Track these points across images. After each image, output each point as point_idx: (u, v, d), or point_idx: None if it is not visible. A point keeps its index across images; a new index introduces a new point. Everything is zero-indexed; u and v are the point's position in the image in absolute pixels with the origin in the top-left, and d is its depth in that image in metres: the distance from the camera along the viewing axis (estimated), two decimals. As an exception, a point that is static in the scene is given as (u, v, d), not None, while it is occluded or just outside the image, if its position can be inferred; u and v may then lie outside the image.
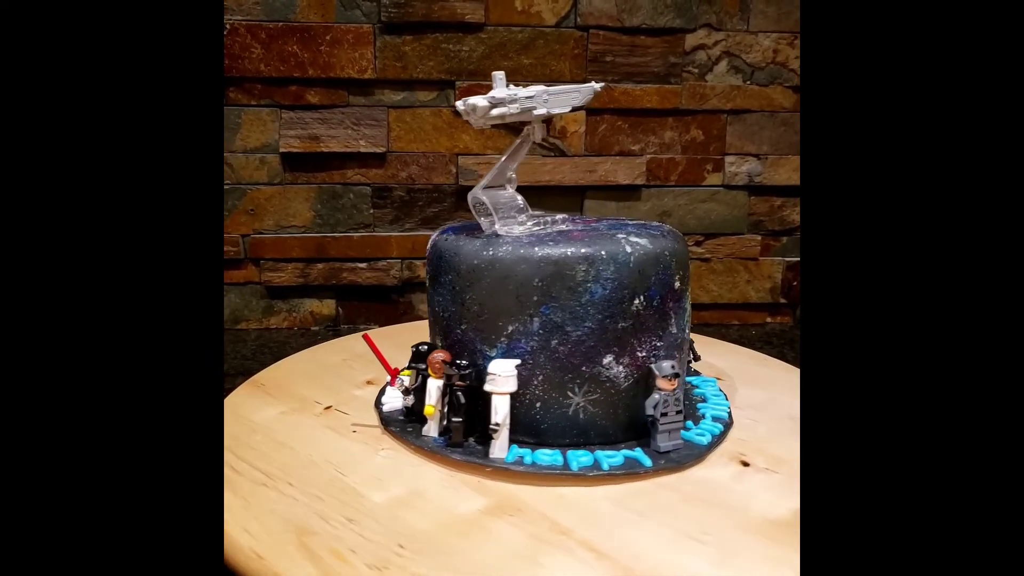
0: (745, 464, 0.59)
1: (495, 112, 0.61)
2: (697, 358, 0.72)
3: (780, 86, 1.46)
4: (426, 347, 0.64)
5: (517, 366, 0.58)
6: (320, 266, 1.45)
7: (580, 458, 0.57)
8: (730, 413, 0.67)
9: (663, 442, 0.59)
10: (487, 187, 0.65)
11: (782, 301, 1.57)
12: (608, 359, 0.59)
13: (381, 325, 1.43)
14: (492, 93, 0.61)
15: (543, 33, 1.39)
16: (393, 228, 1.46)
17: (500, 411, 0.57)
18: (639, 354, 0.60)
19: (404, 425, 0.63)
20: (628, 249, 0.59)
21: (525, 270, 0.58)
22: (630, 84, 1.42)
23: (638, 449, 0.59)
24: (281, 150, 1.40)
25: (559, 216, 0.67)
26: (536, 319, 0.58)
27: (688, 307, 0.65)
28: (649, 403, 0.59)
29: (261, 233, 1.43)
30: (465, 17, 1.36)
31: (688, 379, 0.71)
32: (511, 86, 0.62)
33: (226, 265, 1.43)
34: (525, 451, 0.58)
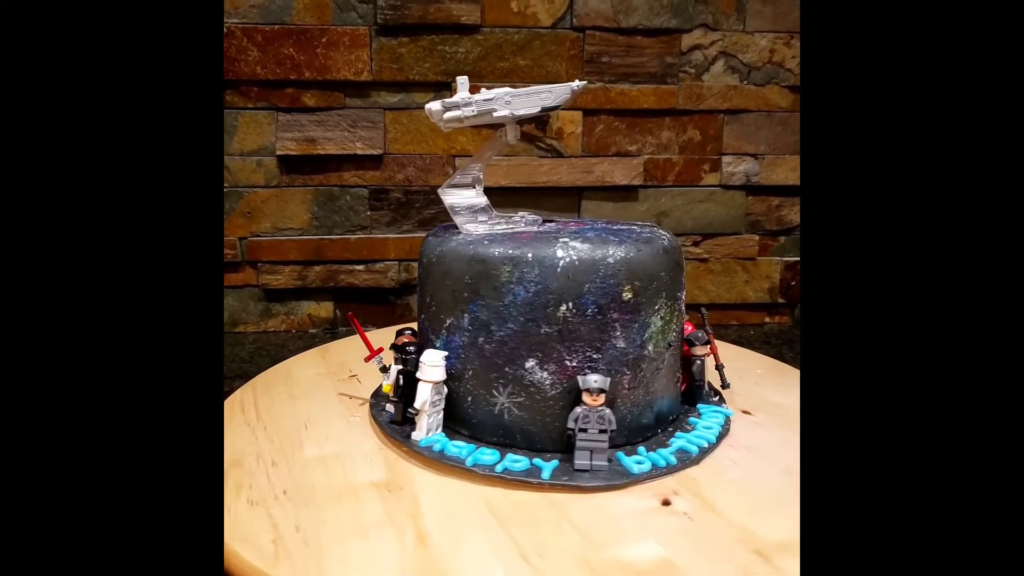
0: (666, 503, 0.53)
1: (447, 116, 0.63)
2: (725, 386, 0.71)
3: (777, 86, 1.46)
4: (409, 332, 0.68)
5: (449, 358, 0.60)
6: (317, 268, 1.45)
7: (484, 456, 0.57)
8: (703, 447, 0.60)
9: (580, 459, 0.56)
10: (451, 186, 0.66)
11: (780, 301, 1.57)
12: (531, 363, 0.59)
13: (379, 327, 1.43)
14: (453, 98, 0.63)
15: (539, 34, 1.39)
16: (390, 230, 1.46)
17: (420, 397, 0.60)
18: (568, 363, 0.58)
19: (387, 400, 0.66)
20: (560, 254, 0.57)
21: (459, 267, 0.60)
22: (627, 85, 1.43)
23: (555, 461, 0.56)
24: (278, 152, 1.39)
25: (530, 216, 0.67)
26: (466, 315, 0.60)
27: (658, 324, 0.60)
28: (571, 416, 0.56)
29: (258, 236, 1.43)
30: (461, 19, 1.36)
31: (703, 407, 0.67)
32: (484, 90, 0.63)
33: (224, 268, 1.43)
34: (456, 443, 0.60)
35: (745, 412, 0.69)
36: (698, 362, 0.68)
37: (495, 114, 0.63)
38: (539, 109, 0.64)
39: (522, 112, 0.64)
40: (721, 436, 0.62)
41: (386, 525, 0.50)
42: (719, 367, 0.72)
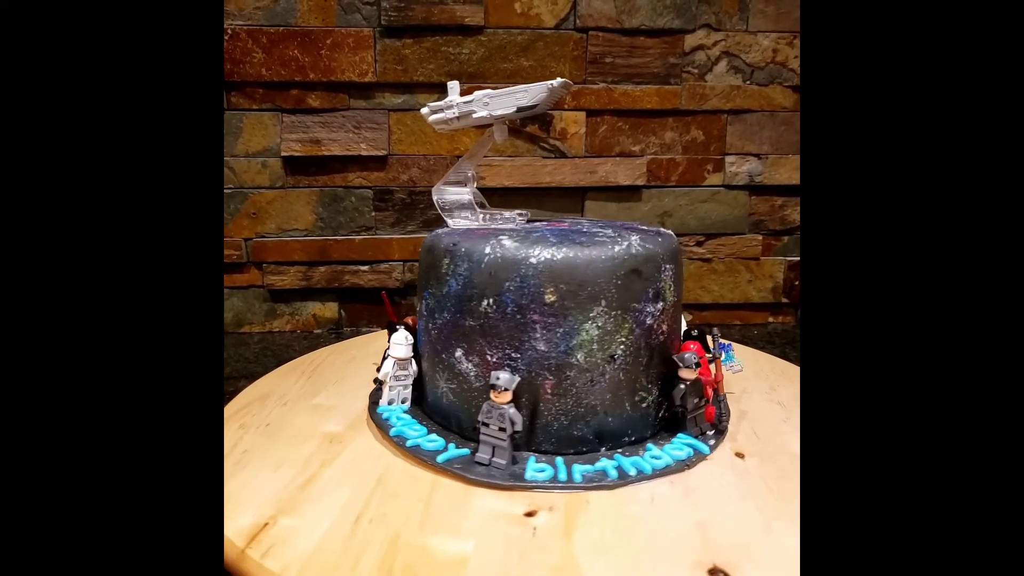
0: (530, 515, 0.52)
1: (432, 119, 0.68)
2: (718, 424, 0.64)
3: (780, 86, 1.46)
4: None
5: (409, 338, 0.67)
6: (322, 269, 1.46)
7: (409, 429, 0.63)
8: (627, 475, 0.56)
9: (482, 453, 0.56)
10: (444, 184, 0.69)
11: (784, 301, 1.57)
12: (459, 353, 0.61)
13: (384, 327, 1.43)
14: (440, 102, 0.67)
15: (542, 35, 1.39)
16: (395, 231, 1.46)
17: (383, 369, 0.68)
18: (488, 358, 0.58)
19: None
20: (487, 251, 0.58)
21: (424, 257, 0.65)
22: (630, 85, 1.43)
23: (467, 450, 0.58)
24: (283, 154, 1.40)
25: (514, 214, 0.69)
26: (423, 302, 0.65)
27: (592, 333, 0.56)
28: (482, 409, 0.57)
29: (263, 237, 1.43)
30: (465, 20, 1.36)
31: (684, 437, 0.61)
32: (478, 92, 0.66)
33: (229, 269, 1.43)
34: (405, 416, 0.66)
35: (739, 455, 0.61)
36: (680, 386, 0.60)
37: (474, 115, 0.65)
38: (515, 109, 0.65)
39: (500, 112, 0.65)
40: (665, 472, 0.56)
41: (297, 461, 0.60)
42: (719, 399, 0.64)
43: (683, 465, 0.58)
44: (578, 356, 0.57)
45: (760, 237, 1.53)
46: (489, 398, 0.56)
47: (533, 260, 0.56)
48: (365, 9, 1.35)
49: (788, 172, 1.50)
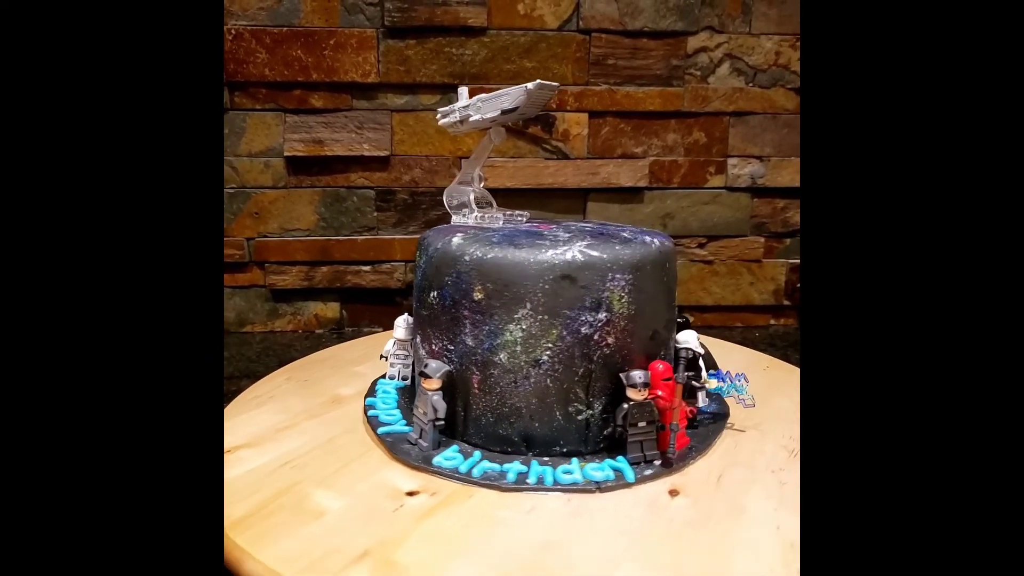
0: (411, 494, 0.54)
1: (442, 122, 0.72)
2: (663, 458, 0.58)
3: (782, 88, 1.46)
4: None
5: (410, 321, 0.71)
6: (324, 269, 1.46)
7: (383, 410, 0.67)
8: (500, 482, 0.55)
9: (413, 433, 0.62)
10: (455, 184, 0.73)
11: (786, 303, 1.57)
12: (419, 339, 0.65)
13: (386, 328, 1.43)
14: (449, 106, 0.70)
15: (545, 37, 1.39)
16: (397, 231, 1.46)
17: (385, 347, 0.74)
18: (432, 346, 0.62)
19: None
20: (438, 246, 0.61)
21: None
22: (632, 87, 1.43)
23: (420, 441, 0.61)
24: (285, 154, 1.40)
25: (510, 214, 0.71)
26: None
27: (516, 335, 0.56)
28: None
29: (266, 236, 1.44)
30: (468, 21, 1.36)
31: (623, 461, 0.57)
32: (476, 96, 0.68)
33: (231, 268, 1.44)
34: (388, 389, 0.72)
35: (672, 492, 0.55)
36: (624, 405, 0.56)
37: (470, 119, 0.68)
38: (499, 112, 0.67)
39: (488, 116, 0.68)
40: (570, 488, 0.54)
41: (296, 409, 0.70)
42: (671, 427, 0.57)
43: (592, 486, 0.54)
44: (501, 355, 0.57)
45: (762, 239, 1.53)
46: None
47: (467, 258, 0.58)
48: (368, 10, 1.35)
49: (790, 174, 1.50)
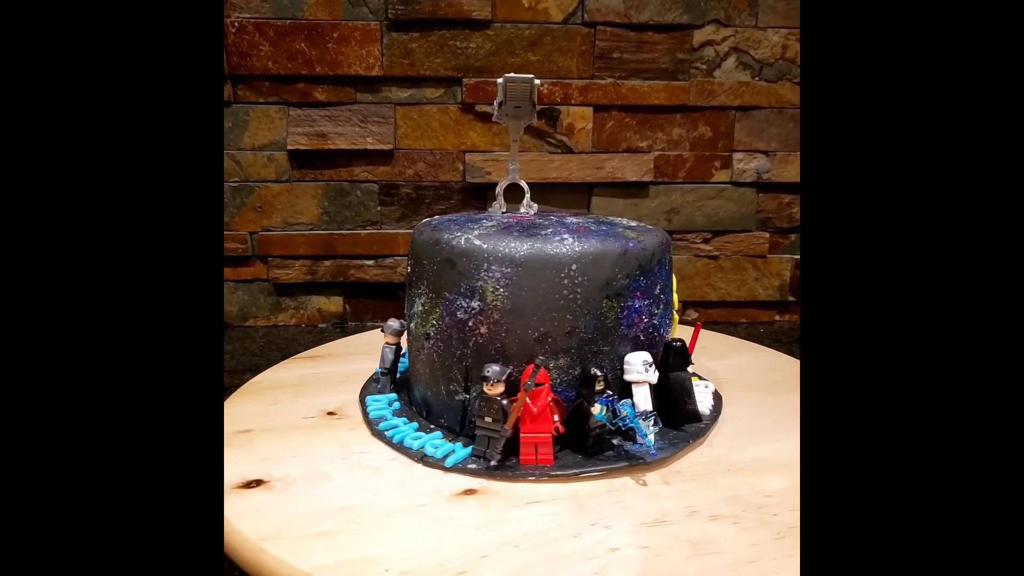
0: (331, 412, 0.66)
1: (494, 119, 0.71)
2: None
3: (788, 82, 1.45)
4: None
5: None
6: (327, 263, 1.46)
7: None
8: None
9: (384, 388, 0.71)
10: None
11: (791, 299, 1.56)
12: None
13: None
14: None
15: (550, 30, 1.39)
16: (400, 225, 1.46)
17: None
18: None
19: None
20: (419, 227, 0.66)
21: None
22: (638, 81, 1.42)
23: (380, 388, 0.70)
24: (289, 147, 1.40)
25: (526, 209, 0.71)
26: None
27: (418, 308, 0.62)
28: None
29: (269, 230, 1.43)
30: (472, 14, 1.36)
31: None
32: None
33: (234, 262, 1.44)
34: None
35: (470, 492, 0.53)
36: (474, 395, 0.57)
37: (495, 113, 0.69)
38: (497, 106, 0.68)
39: (495, 112, 0.69)
40: (401, 450, 0.59)
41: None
42: (501, 431, 0.54)
43: (418, 455, 0.58)
44: (413, 324, 0.65)
45: (767, 235, 1.53)
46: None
47: (416, 237, 0.64)
48: (372, 2, 1.35)
49: (796, 169, 1.49)
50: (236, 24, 1.33)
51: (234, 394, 0.72)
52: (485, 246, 0.57)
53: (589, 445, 0.56)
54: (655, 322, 0.61)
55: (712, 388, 0.69)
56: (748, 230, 1.52)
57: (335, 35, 1.35)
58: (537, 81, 0.65)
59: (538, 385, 0.54)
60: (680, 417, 0.62)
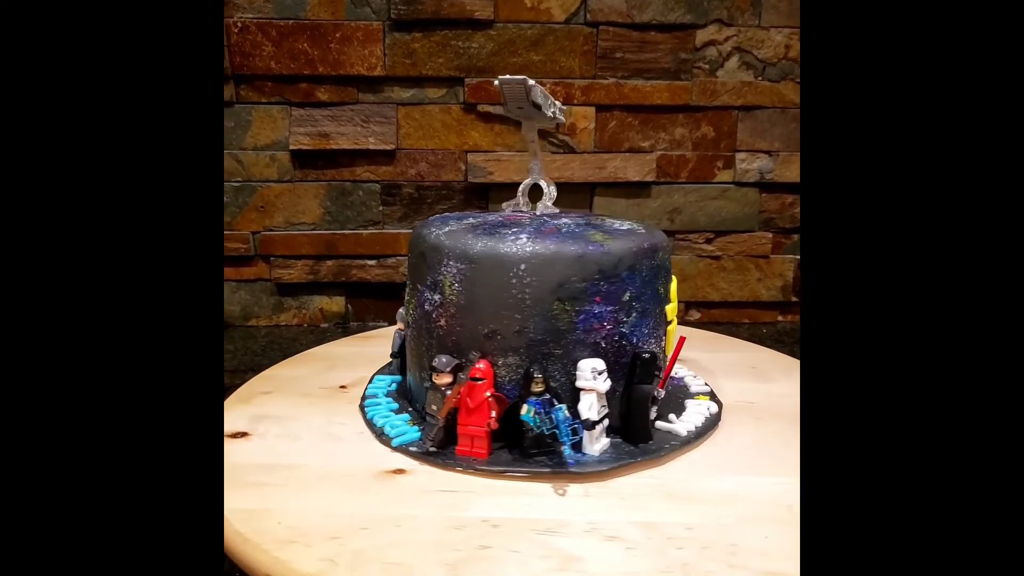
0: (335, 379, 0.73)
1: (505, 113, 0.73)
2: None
3: (792, 82, 1.45)
4: None
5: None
6: (330, 263, 1.46)
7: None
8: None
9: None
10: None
11: (793, 299, 1.55)
12: None
13: (391, 323, 1.44)
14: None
15: (552, 30, 1.39)
16: (402, 225, 1.46)
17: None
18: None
19: None
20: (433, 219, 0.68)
21: None
22: (640, 80, 1.42)
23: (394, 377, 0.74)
24: (291, 147, 1.40)
25: (541, 209, 0.73)
26: None
27: (408, 298, 0.66)
28: None
29: (271, 230, 1.43)
30: (474, 14, 1.36)
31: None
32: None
33: (236, 262, 1.44)
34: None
35: (400, 471, 0.56)
36: (426, 384, 0.59)
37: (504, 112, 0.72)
38: (503, 106, 0.69)
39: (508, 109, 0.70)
40: (372, 426, 0.63)
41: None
42: (429, 419, 0.57)
43: (378, 431, 0.62)
44: (407, 309, 0.67)
45: (770, 235, 1.52)
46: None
47: (413, 232, 0.66)
48: (374, 2, 1.35)
49: (799, 170, 1.49)
50: (239, 24, 1.33)
51: (289, 359, 0.82)
52: (448, 242, 0.59)
53: (525, 446, 0.56)
54: (623, 330, 0.58)
55: (711, 410, 0.65)
56: (751, 230, 1.52)
57: (337, 35, 1.35)
58: (531, 81, 0.64)
59: (474, 380, 0.55)
60: (633, 432, 0.58)
